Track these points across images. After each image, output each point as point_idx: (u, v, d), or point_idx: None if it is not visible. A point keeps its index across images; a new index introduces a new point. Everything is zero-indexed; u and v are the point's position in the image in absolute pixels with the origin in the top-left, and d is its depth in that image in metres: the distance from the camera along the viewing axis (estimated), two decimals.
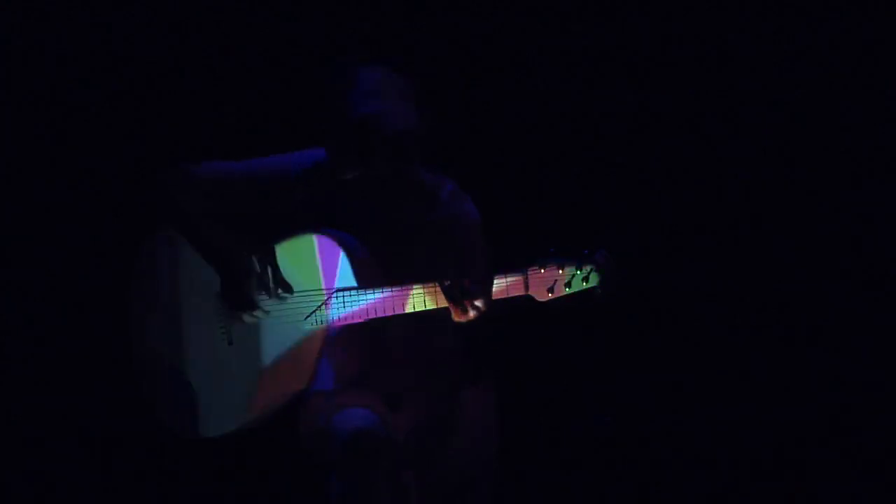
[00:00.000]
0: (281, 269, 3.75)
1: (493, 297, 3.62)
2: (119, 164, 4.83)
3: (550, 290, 3.60)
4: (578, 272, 3.58)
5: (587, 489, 4.92)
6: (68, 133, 4.83)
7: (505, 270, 3.63)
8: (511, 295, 3.63)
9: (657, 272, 4.85)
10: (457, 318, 3.62)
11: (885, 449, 4.79)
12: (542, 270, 3.59)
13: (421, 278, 3.69)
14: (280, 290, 3.73)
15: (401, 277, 3.73)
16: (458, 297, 3.58)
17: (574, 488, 4.92)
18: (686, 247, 4.86)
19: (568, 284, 3.59)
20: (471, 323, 3.68)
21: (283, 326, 3.77)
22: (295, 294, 3.75)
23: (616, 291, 3.59)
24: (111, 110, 4.83)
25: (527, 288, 3.61)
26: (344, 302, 3.72)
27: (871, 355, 4.81)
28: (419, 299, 3.67)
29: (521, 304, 3.66)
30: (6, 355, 4.83)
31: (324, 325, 3.74)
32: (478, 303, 3.58)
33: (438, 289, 3.63)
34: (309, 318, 3.75)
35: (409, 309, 3.68)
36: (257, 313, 3.74)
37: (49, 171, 4.83)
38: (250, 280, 3.72)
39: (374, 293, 3.70)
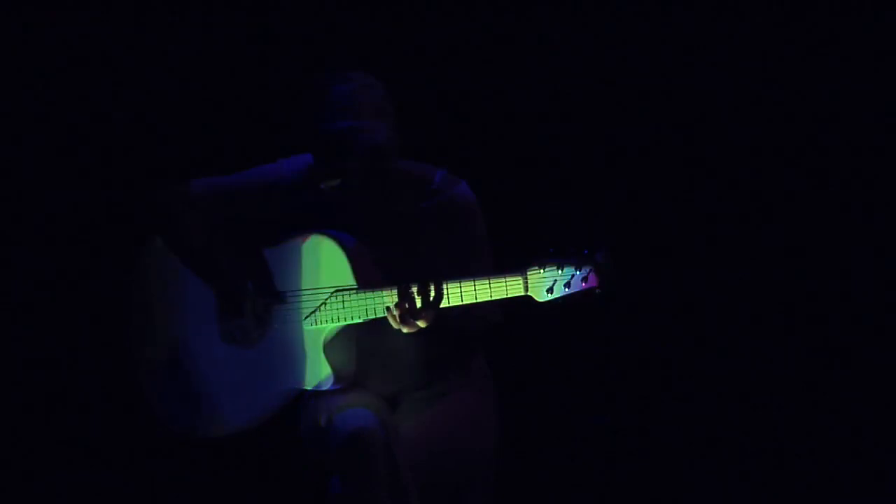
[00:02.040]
0: (280, 270, 3.76)
1: (493, 298, 3.62)
2: (118, 164, 4.83)
3: (550, 290, 3.59)
4: (578, 272, 3.58)
5: (587, 489, 4.92)
6: (68, 134, 4.84)
7: (504, 270, 3.63)
8: (510, 295, 3.62)
9: (657, 272, 4.85)
10: (394, 325, 3.64)
11: (886, 449, 4.79)
12: (542, 271, 3.59)
13: (421, 272, 3.69)
14: (273, 311, 3.74)
15: (401, 273, 3.73)
16: (412, 307, 3.61)
17: (574, 488, 4.92)
18: (686, 247, 4.86)
19: (567, 285, 3.58)
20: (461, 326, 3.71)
21: (282, 327, 3.78)
22: (294, 295, 3.76)
23: (615, 292, 3.59)
24: (110, 112, 4.84)
25: (526, 288, 3.61)
26: (343, 302, 3.73)
27: (872, 355, 4.81)
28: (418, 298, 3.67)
29: (520, 305, 3.65)
30: (6, 355, 4.83)
31: (323, 324, 3.74)
32: (421, 321, 3.61)
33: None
34: (309, 318, 3.75)
35: None
36: (251, 335, 3.76)
37: (49, 171, 4.83)
38: (245, 304, 3.73)
39: (373, 292, 3.70)
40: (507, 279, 3.62)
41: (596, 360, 4.91)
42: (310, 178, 3.83)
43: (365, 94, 3.71)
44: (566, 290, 3.59)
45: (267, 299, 3.74)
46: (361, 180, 3.73)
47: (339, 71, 3.74)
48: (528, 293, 3.61)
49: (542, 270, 3.59)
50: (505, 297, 3.62)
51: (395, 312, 3.63)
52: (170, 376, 3.85)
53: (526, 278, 3.60)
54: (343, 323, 3.73)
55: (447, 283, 3.62)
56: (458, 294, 3.63)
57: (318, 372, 3.75)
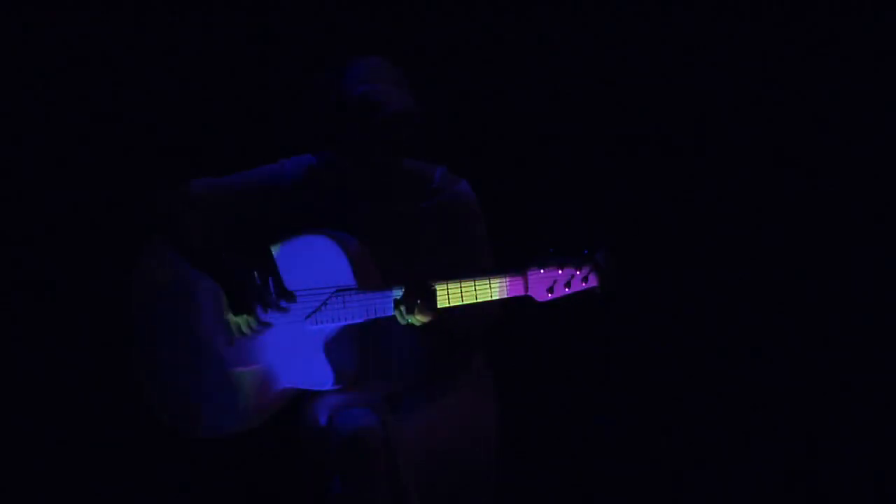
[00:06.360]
0: (281, 272, 3.76)
1: (494, 298, 3.63)
2: (118, 164, 4.84)
3: (550, 290, 3.60)
4: (578, 272, 3.58)
5: (587, 489, 4.92)
6: (68, 134, 4.84)
7: (505, 270, 3.63)
8: (511, 295, 3.63)
9: (657, 272, 4.85)
10: (400, 319, 3.65)
11: (886, 449, 4.79)
12: (542, 271, 3.60)
13: (422, 272, 3.70)
14: (282, 302, 3.74)
15: (402, 272, 3.73)
16: (412, 302, 3.61)
17: (574, 488, 4.92)
18: (686, 247, 4.86)
19: (567, 285, 3.59)
20: (466, 324, 3.71)
21: (283, 326, 3.78)
22: (296, 297, 3.76)
23: (615, 292, 3.59)
24: (110, 112, 4.84)
25: (526, 288, 3.61)
26: (344, 302, 3.73)
27: (872, 355, 4.81)
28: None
29: (520, 305, 3.66)
30: (6, 355, 4.83)
31: (324, 324, 3.74)
32: (421, 316, 3.61)
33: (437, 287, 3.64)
34: (309, 318, 3.76)
35: None
36: (258, 327, 3.75)
37: (49, 171, 4.83)
38: (251, 295, 3.73)
39: (373, 292, 3.70)
40: (507, 279, 3.62)
41: (596, 360, 4.91)
42: (310, 179, 3.84)
43: (387, 66, 3.72)
44: (566, 290, 3.60)
45: (272, 295, 3.74)
46: (382, 151, 3.70)
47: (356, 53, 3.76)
48: (528, 293, 3.62)
49: (542, 270, 3.60)
50: (505, 297, 3.63)
51: (402, 308, 3.63)
52: (171, 375, 3.85)
53: (526, 278, 3.61)
54: (343, 323, 3.74)
55: (448, 284, 3.63)
56: (458, 294, 3.63)
57: (318, 372, 3.76)
